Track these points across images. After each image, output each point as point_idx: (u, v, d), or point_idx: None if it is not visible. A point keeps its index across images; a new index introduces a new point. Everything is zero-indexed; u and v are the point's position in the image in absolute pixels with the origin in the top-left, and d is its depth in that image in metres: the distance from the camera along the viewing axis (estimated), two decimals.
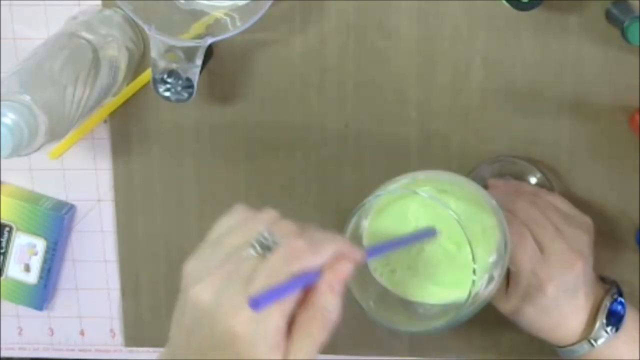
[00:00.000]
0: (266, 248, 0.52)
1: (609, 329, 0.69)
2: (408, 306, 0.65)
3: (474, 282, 0.59)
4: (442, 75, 0.76)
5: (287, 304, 0.51)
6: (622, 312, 0.69)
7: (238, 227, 0.55)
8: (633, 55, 0.73)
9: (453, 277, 0.64)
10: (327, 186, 0.79)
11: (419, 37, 0.75)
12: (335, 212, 0.80)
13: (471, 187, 0.64)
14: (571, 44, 0.74)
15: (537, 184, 0.77)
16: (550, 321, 0.69)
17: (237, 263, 0.52)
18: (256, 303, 0.49)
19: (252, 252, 0.52)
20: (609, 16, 0.72)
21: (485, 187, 0.75)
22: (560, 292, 0.68)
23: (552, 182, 0.77)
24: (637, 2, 0.71)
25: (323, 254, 0.52)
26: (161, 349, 0.90)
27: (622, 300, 0.70)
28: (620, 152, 0.76)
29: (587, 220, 0.73)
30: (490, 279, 0.62)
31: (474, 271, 0.59)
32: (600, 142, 0.76)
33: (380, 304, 0.64)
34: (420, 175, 0.65)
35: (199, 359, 0.52)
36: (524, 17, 0.72)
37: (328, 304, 0.52)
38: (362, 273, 0.63)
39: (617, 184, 0.77)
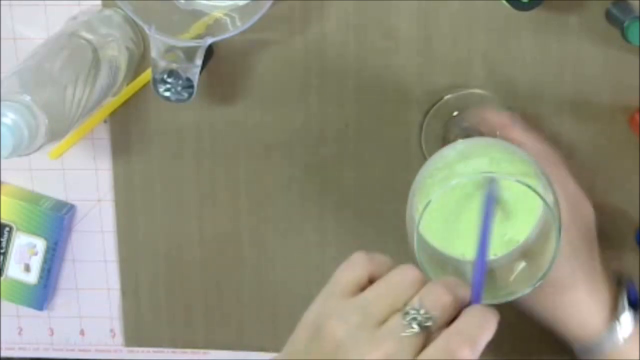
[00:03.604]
0: (422, 325, 0.52)
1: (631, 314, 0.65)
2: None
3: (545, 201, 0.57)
4: (442, 75, 0.76)
5: None
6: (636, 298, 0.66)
7: (382, 292, 0.54)
8: (633, 55, 0.73)
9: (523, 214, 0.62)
10: (327, 186, 0.79)
11: (419, 37, 0.75)
12: (335, 212, 0.80)
13: (516, 151, 0.62)
14: (571, 44, 0.74)
15: None
16: (565, 298, 0.65)
17: (396, 342, 0.51)
18: None
19: (410, 331, 0.52)
20: (609, 16, 0.72)
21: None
22: (578, 241, 0.64)
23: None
24: (637, 2, 0.71)
25: (480, 347, 0.52)
26: (161, 349, 0.89)
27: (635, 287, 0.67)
28: (620, 152, 0.76)
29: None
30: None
31: (543, 200, 0.57)
32: (600, 142, 0.76)
33: None
34: (470, 150, 0.62)
35: None
36: (524, 17, 0.72)
37: None
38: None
39: (617, 184, 0.77)
